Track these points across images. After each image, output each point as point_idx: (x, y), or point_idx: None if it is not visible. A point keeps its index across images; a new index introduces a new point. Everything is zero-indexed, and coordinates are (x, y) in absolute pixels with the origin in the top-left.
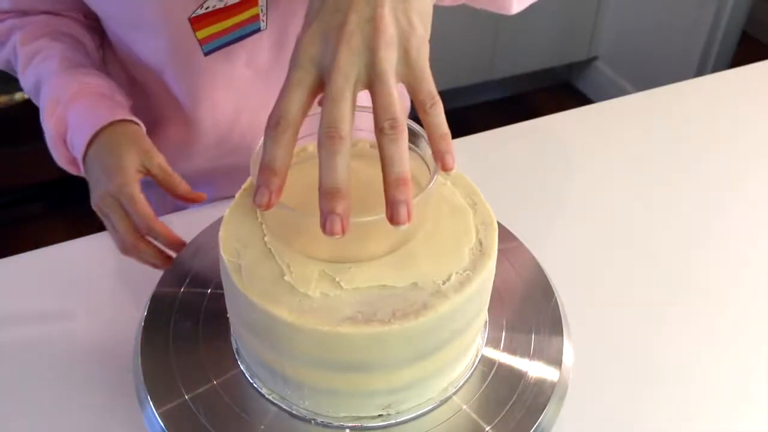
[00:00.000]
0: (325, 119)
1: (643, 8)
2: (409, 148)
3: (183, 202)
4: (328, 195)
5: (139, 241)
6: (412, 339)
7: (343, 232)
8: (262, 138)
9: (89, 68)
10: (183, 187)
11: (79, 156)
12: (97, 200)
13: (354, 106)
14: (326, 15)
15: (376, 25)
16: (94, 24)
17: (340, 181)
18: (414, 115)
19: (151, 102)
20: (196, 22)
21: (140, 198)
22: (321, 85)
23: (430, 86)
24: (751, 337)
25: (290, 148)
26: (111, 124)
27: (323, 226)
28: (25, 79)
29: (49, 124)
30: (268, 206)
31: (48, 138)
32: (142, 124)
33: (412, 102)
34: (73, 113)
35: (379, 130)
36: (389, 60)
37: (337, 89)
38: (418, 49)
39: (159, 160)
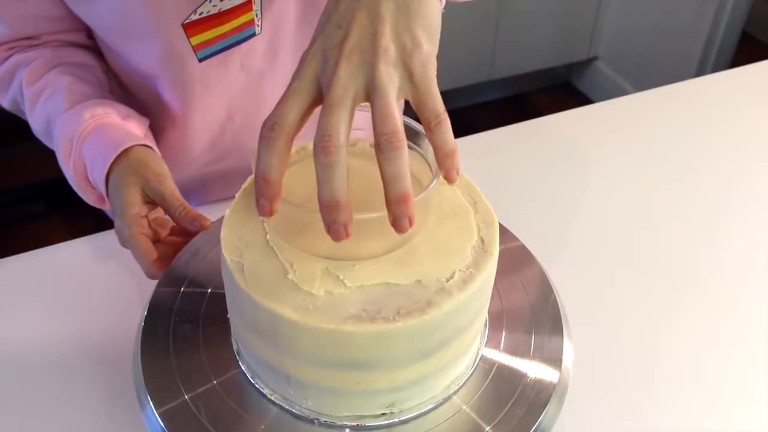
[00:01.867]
0: (321, 127)
1: (643, 8)
2: (410, 147)
3: (187, 228)
4: (328, 208)
5: (160, 272)
6: (417, 337)
7: (348, 235)
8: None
9: (98, 97)
10: (187, 214)
11: (104, 193)
12: (117, 236)
13: (351, 117)
14: (329, 32)
15: (377, 42)
16: (98, 45)
17: (339, 194)
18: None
19: (144, 111)
20: (190, 28)
21: (137, 241)
22: (320, 99)
23: (435, 104)
24: (751, 336)
25: (284, 156)
26: (119, 156)
27: (328, 233)
28: (34, 120)
29: (68, 167)
30: (270, 214)
31: (72, 182)
32: (152, 145)
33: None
34: (87, 151)
35: (377, 146)
36: (389, 74)
37: (335, 98)
38: (423, 66)
39: (160, 186)
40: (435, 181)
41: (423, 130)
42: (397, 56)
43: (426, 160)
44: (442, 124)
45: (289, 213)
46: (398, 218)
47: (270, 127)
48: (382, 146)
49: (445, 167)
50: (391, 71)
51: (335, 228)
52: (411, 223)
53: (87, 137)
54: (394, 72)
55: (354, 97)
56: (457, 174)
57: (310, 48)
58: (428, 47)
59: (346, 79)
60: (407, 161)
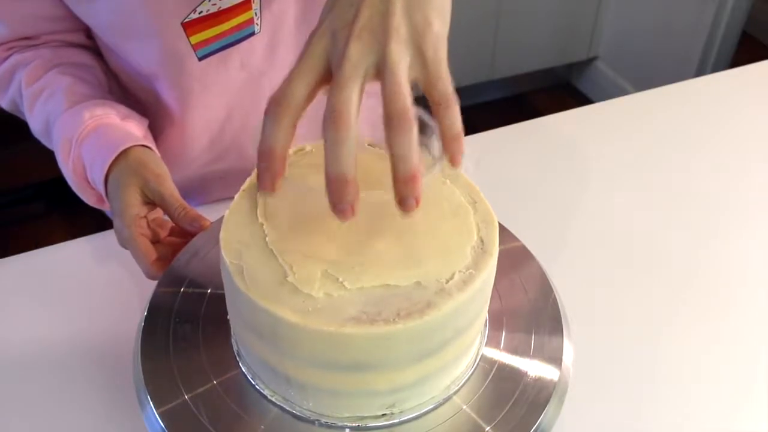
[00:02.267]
0: (331, 103)
1: (643, 8)
2: None
3: (187, 228)
4: (336, 183)
5: (159, 272)
6: (417, 338)
7: (354, 214)
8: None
9: (97, 98)
10: (187, 215)
11: (103, 193)
12: (116, 236)
13: (361, 95)
14: (339, 11)
15: (389, 21)
16: (97, 45)
17: (347, 169)
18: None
19: (143, 111)
20: (190, 27)
21: (137, 241)
22: (328, 77)
23: (445, 86)
24: (751, 337)
25: (289, 131)
26: (119, 156)
27: (334, 212)
28: (34, 120)
29: (67, 168)
30: (272, 190)
31: (71, 182)
32: (152, 145)
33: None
34: (86, 151)
35: (386, 124)
36: (400, 53)
37: (346, 76)
38: (434, 47)
39: (159, 187)
40: (437, 165)
41: (429, 121)
42: (408, 36)
43: (431, 154)
44: (450, 107)
45: (291, 210)
46: (405, 198)
47: (277, 102)
48: (392, 122)
49: (450, 150)
50: (402, 50)
51: (341, 207)
52: (417, 203)
53: (86, 138)
54: (405, 51)
55: (364, 75)
56: (461, 159)
57: (319, 27)
58: (439, 28)
59: (357, 58)
60: (416, 140)
